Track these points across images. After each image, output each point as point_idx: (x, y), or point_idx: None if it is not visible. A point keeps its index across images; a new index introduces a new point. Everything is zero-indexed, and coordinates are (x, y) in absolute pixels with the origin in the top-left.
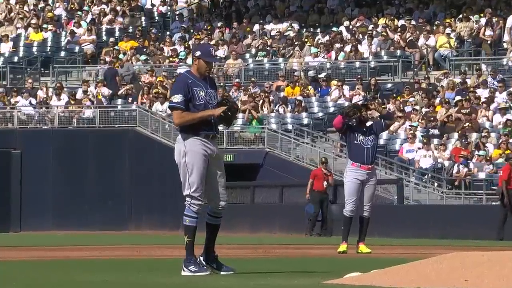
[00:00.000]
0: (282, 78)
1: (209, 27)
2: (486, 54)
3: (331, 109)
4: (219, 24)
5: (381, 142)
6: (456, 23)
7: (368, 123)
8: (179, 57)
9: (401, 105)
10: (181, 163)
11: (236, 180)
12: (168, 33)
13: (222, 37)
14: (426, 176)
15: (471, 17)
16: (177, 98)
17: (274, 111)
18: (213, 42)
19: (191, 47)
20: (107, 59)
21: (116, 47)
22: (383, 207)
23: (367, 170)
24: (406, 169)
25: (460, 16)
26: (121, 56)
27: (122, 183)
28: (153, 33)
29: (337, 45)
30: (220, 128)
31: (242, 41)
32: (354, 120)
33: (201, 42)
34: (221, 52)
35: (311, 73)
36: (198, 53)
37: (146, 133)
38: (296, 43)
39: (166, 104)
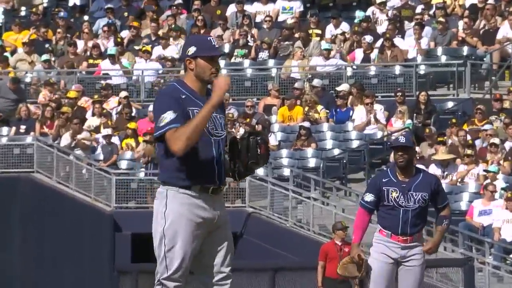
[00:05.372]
0: (274, 92)
1: (155, 8)
2: None
3: (354, 144)
4: (170, 4)
5: None
6: None
7: (414, 171)
8: (105, 57)
9: (470, 137)
10: (157, 230)
11: None
12: (86, 18)
13: (174, 25)
14: None
15: None
16: (167, 117)
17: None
18: (160, 32)
19: (124, 42)
20: None
21: None
22: None
23: (402, 243)
24: (479, 243)
25: None
26: (8, 55)
27: (9, 266)
28: (61, 18)
29: (365, 39)
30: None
31: (209, 32)
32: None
33: (192, 35)
34: (172, 50)
35: (319, 83)
36: (192, 50)
37: (49, 183)
38: (297, 35)
39: (85, 134)
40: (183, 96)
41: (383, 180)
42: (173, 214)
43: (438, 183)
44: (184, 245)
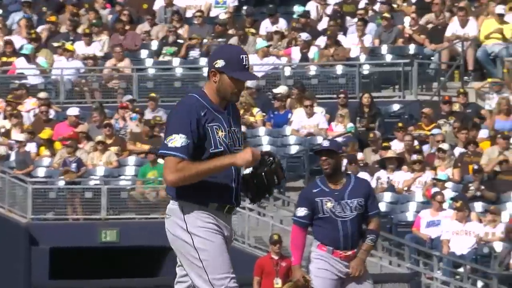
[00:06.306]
0: None
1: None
2: None
3: (293, 149)
4: None
5: (382, 207)
6: None
7: (343, 179)
8: (18, 55)
9: (417, 142)
10: (185, 249)
11: (124, 276)
12: None
13: (97, 20)
14: (462, 269)
15: None
16: (178, 140)
17: None
18: (80, 29)
19: (42, 38)
20: None
21: None
22: None
23: (345, 260)
24: (427, 257)
25: None
26: None
27: None
28: None
29: (303, 36)
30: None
31: (135, 28)
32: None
33: (222, 44)
34: (96, 47)
35: (254, 83)
36: (220, 63)
37: None
38: (231, 31)
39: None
40: (203, 112)
41: (314, 191)
42: (196, 228)
43: (371, 187)
44: (219, 252)
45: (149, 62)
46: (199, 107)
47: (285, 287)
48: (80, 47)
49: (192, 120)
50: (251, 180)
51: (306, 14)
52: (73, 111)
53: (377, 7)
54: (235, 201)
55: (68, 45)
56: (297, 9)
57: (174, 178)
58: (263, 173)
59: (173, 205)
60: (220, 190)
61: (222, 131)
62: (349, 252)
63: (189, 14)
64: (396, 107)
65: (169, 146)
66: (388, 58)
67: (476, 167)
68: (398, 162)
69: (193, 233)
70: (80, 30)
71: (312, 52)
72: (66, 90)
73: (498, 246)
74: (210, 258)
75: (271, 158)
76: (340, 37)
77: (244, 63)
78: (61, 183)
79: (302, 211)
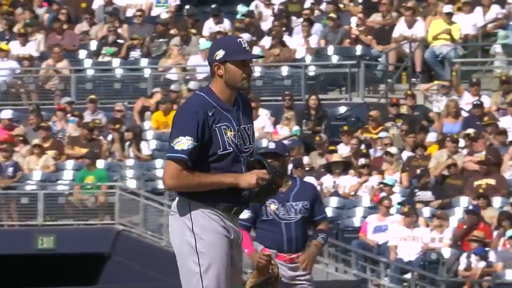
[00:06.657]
0: (150, 94)
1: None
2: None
3: None
4: None
5: (328, 212)
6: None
7: (289, 181)
8: None
9: (364, 146)
10: (185, 249)
11: (61, 284)
12: None
13: (31, 20)
14: (409, 275)
15: None
16: (185, 143)
17: (132, 154)
18: (15, 29)
19: None
20: None
21: None
22: None
23: (289, 263)
24: (374, 263)
25: None
26: None
27: None
28: None
29: (246, 36)
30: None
31: (73, 27)
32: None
33: (218, 37)
34: (31, 47)
35: (196, 85)
36: (221, 54)
37: None
38: (173, 31)
39: None
40: (211, 112)
41: None
42: (202, 229)
43: (317, 191)
44: (220, 260)
45: (88, 62)
46: (207, 106)
47: (250, 281)
48: (15, 47)
49: (199, 121)
50: (251, 195)
51: (250, 14)
52: (6, 114)
53: (323, 7)
54: (243, 204)
55: (3, 45)
56: (241, 9)
57: (173, 185)
58: (261, 188)
59: (179, 202)
60: (229, 191)
61: (231, 131)
62: (293, 256)
63: (129, 13)
64: (342, 109)
65: (176, 148)
66: (335, 59)
67: (419, 171)
68: (345, 166)
69: (197, 234)
70: (15, 29)
71: (255, 53)
72: (1, 91)
73: (446, 252)
74: (209, 265)
75: (266, 176)
76: (286, 37)
77: (243, 46)
78: None
79: (245, 214)
